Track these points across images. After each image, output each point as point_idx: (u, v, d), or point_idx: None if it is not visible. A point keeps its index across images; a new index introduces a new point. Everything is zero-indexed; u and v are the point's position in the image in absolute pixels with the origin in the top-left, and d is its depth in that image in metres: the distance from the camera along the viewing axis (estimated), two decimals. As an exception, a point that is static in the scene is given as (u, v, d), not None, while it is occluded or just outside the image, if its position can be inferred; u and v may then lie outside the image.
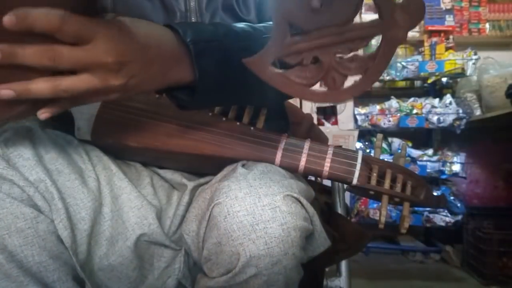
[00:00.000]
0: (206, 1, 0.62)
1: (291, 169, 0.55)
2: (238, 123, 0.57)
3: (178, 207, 0.57)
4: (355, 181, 0.54)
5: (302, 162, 0.54)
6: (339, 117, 2.13)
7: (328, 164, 0.54)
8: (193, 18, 0.61)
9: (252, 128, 0.56)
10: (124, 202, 0.52)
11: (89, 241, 0.48)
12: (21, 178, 0.43)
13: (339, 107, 2.13)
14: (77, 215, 0.47)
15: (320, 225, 0.49)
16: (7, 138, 0.45)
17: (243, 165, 0.51)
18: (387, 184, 0.55)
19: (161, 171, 0.60)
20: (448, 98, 2.05)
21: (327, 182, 0.75)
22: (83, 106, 0.54)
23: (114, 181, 0.52)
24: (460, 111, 1.99)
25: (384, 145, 2.18)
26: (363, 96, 2.20)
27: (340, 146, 0.59)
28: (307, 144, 0.56)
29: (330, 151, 0.55)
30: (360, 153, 0.56)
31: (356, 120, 2.13)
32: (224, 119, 0.57)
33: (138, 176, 0.57)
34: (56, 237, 0.45)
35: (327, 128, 2.11)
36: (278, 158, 0.54)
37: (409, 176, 0.56)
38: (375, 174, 0.55)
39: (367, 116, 2.12)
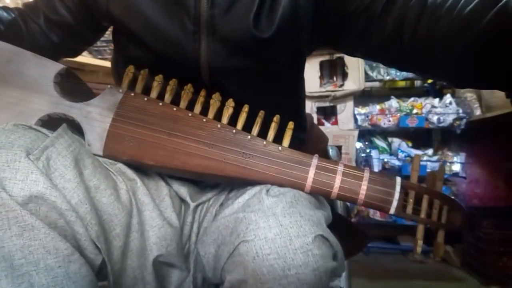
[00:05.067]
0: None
1: (323, 196, 0.52)
2: (264, 142, 0.52)
3: (183, 227, 0.56)
4: (392, 211, 0.50)
5: (335, 190, 0.50)
6: (339, 117, 2.14)
7: (364, 192, 0.50)
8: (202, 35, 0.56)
9: (280, 148, 0.52)
10: (146, 219, 0.51)
11: (123, 257, 0.47)
12: (64, 201, 0.40)
13: (339, 107, 2.13)
14: (112, 231, 0.46)
15: (342, 255, 0.48)
16: (49, 156, 0.42)
17: (268, 190, 0.49)
18: (423, 213, 0.52)
19: (172, 182, 0.59)
20: (448, 98, 2.05)
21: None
22: (94, 120, 0.53)
23: (137, 195, 0.51)
24: (460, 111, 1.99)
25: (384, 145, 2.18)
26: (363, 96, 2.21)
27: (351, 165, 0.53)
28: (340, 169, 0.51)
29: (366, 176, 0.50)
30: (398, 180, 0.51)
31: (356, 120, 2.13)
32: (249, 137, 0.52)
33: (156, 186, 0.56)
34: (88, 282, 0.40)
35: (327, 128, 2.11)
36: (308, 185, 0.50)
37: (445, 201, 0.53)
38: (411, 201, 0.52)
39: (367, 116, 2.12)
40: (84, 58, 1.33)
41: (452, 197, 0.56)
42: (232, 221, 0.46)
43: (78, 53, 0.78)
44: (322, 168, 0.50)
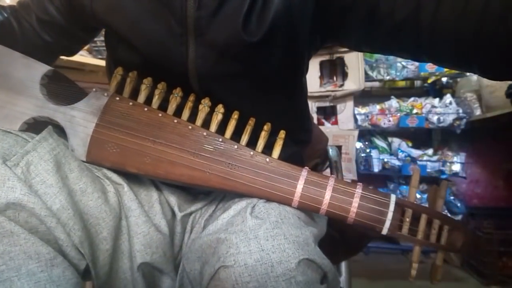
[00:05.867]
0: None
1: (311, 212, 0.50)
2: (251, 153, 0.50)
3: (174, 237, 0.55)
4: (385, 231, 0.47)
5: (324, 206, 0.47)
6: (339, 117, 2.13)
7: (355, 210, 0.47)
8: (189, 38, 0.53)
9: (267, 159, 0.49)
10: (131, 226, 0.49)
11: (111, 260, 0.47)
12: (43, 207, 0.39)
13: (339, 107, 2.13)
14: (99, 235, 0.45)
15: (334, 274, 0.45)
16: (29, 162, 0.41)
17: (253, 207, 0.47)
18: (420, 233, 0.48)
19: (163, 188, 0.58)
20: (448, 98, 2.04)
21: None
22: (77, 125, 0.52)
23: (124, 200, 0.50)
24: (460, 111, 1.98)
25: (384, 145, 2.18)
26: (363, 96, 2.21)
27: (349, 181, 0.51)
28: (330, 183, 0.48)
29: (358, 193, 0.48)
30: (393, 198, 0.48)
31: (356, 120, 2.12)
32: (236, 146, 0.50)
33: (146, 191, 0.55)
34: (73, 284, 0.39)
35: (327, 128, 2.11)
36: (296, 200, 0.48)
37: (446, 221, 0.49)
38: (408, 220, 0.48)
39: (367, 116, 2.12)
40: (84, 58, 1.33)
41: (454, 217, 0.53)
42: (214, 240, 0.44)
43: (74, 52, 0.75)
44: (311, 183, 0.48)
